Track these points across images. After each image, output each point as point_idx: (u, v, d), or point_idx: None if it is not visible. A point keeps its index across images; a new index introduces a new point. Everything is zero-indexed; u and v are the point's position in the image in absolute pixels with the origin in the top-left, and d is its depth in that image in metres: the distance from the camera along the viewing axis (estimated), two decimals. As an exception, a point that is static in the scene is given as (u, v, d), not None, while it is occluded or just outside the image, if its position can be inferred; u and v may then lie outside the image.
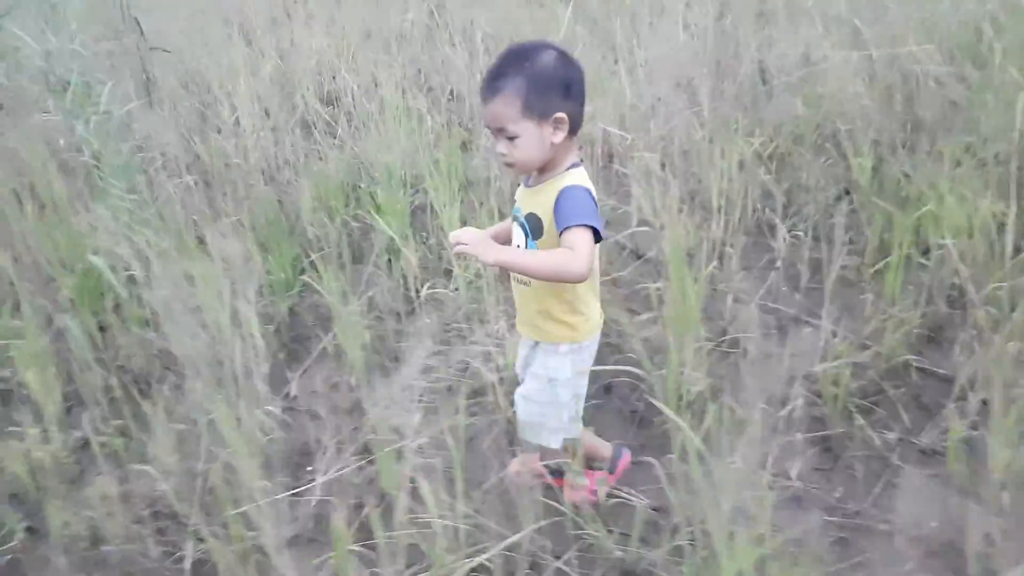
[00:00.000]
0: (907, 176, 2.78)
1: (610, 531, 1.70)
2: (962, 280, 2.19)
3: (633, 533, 1.65)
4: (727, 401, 1.56)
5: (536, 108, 1.46)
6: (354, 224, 3.06)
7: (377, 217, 2.72)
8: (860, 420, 2.04)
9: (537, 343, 1.66)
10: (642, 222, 2.90)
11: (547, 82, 1.47)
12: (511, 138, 1.49)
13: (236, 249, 2.31)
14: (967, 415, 1.95)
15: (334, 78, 4.27)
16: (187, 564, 1.72)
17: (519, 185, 1.68)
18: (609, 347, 2.39)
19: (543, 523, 1.61)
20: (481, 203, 2.80)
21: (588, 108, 3.33)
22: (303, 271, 2.71)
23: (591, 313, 1.64)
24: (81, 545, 1.80)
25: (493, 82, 1.48)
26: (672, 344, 1.99)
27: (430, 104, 3.70)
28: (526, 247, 1.56)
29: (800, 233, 2.66)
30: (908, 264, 2.37)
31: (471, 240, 1.43)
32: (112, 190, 2.67)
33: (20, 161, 3.12)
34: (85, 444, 2.10)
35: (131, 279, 2.49)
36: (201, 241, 2.73)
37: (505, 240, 1.66)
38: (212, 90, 3.89)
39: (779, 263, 2.59)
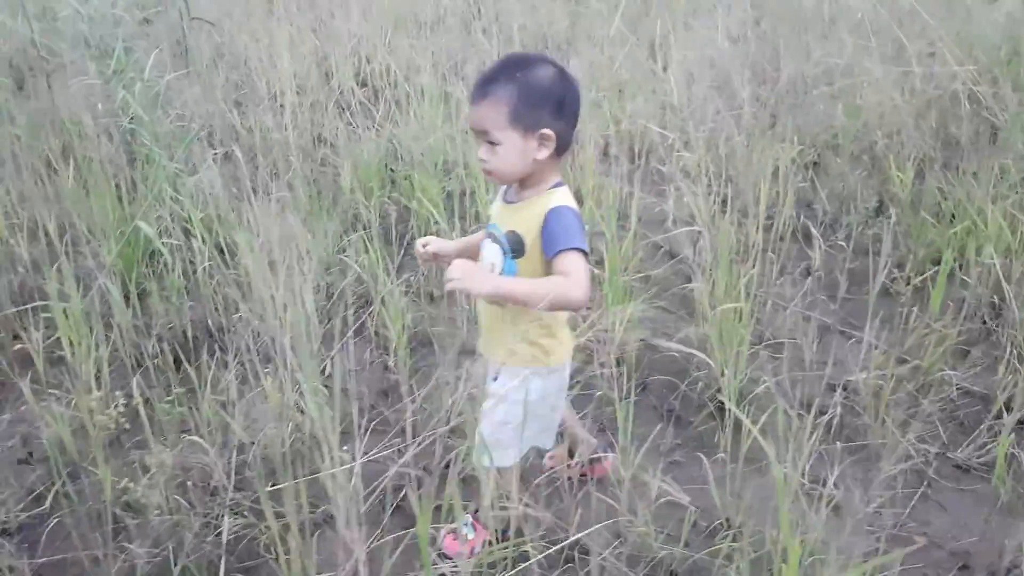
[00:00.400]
0: (942, 192, 2.79)
1: (659, 531, 1.70)
2: (1006, 298, 2.20)
3: (681, 535, 1.65)
4: (780, 406, 1.56)
5: (523, 119, 1.42)
6: (390, 207, 3.06)
7: (419, 200, 2.72)
8: (897, 432, 2.05)
9: (503, 365, 1.57)
10: (677, 222, 2.91)
11: (540, 96, 1.43)
12: (493, 144, 1.44)
13: (281, 224, 2.31)
14: (1004, 433, 1.97)
15: (368, 61, 4.27)
16: (224, 538, 1.72)
17: (494, 199, 1.62)
18: (644, 344, 2.40)
19: (606, 522, 1.60)
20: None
21: (629, 107, 3.37)
22: (343, 250, 2.71)
23: (564, 336, 1.59)
24: (120, 512, 1.80)
25: (485, 85, 1.45)
26: (717, 345, 2.00)
27: (468, 92, 3.69)
28: (503, 265, 1.50)
29: (842, 243, 2.67)
30: (949, 280, 2.38)
31: (461, 274, 1.36)
32: (155, 157, 2.67)
33: (59, 124, 3.11)
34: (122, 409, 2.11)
35: (171, 247, 2.50)
36: (239, 213, 2.74)
37: (474, 256, 1.60)
38: (249, 64, 3.88)
39: (818, 271, 2.59)
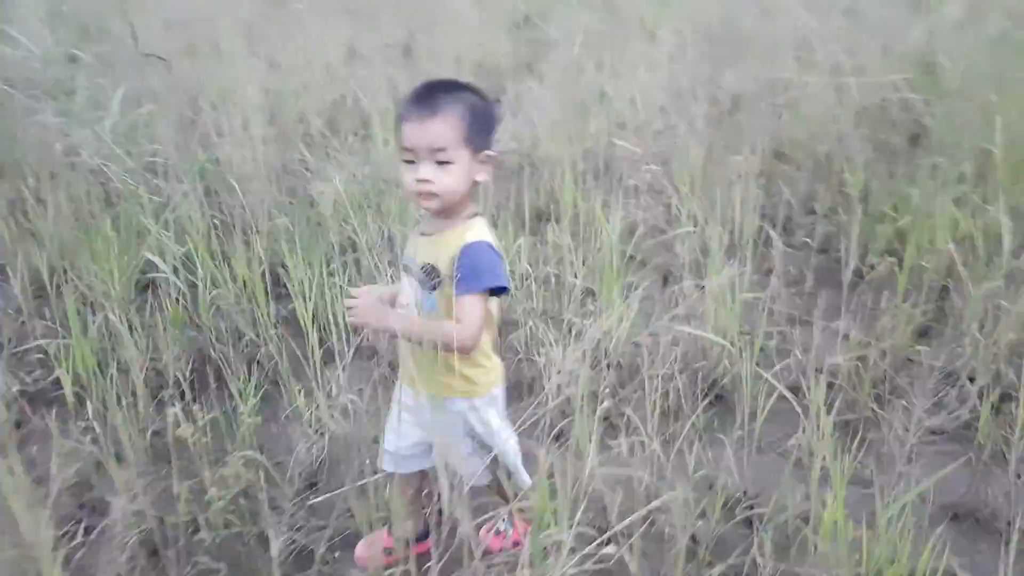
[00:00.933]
0: (888, 190, 3.07)
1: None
2: (961, 279, 2.44)
3: (713, 512, 1.78)
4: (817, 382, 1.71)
5: (475, 140, 1.42)
6: (375, 231, 3.11)
7: (403, 224, 2.80)
8: (877, 407, 2.25)
9: (443, 401, 1.53)
10: (648, 231, 3.10)
11: (484, 118, 1.45)
12: (443, 163, 1.40)
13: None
14: (969, 400, 2.21)
15: (323, 93, 4.32)
16: (274, 552, 1.75)
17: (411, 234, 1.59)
18: (634, 344, 2.53)
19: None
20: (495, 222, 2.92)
21: (591, 127, 3.55)
22: (332, 274, 2.75)
23: (491, 365, 1.57)
24: (177, 533, 1.81)
25: (430, 103, 1.40)
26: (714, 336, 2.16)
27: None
28: (422, 299, 1.48)
29: (806, 240, 2.89)
30: (902, 268, 2.62)
31: (359, 308, 1.41)
32: (134, 195, 2.67)
33: (26, 166, 3.05)
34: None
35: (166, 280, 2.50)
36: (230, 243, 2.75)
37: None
38: (201, 100, 3.88)
39: (788, 268, 2.80)
